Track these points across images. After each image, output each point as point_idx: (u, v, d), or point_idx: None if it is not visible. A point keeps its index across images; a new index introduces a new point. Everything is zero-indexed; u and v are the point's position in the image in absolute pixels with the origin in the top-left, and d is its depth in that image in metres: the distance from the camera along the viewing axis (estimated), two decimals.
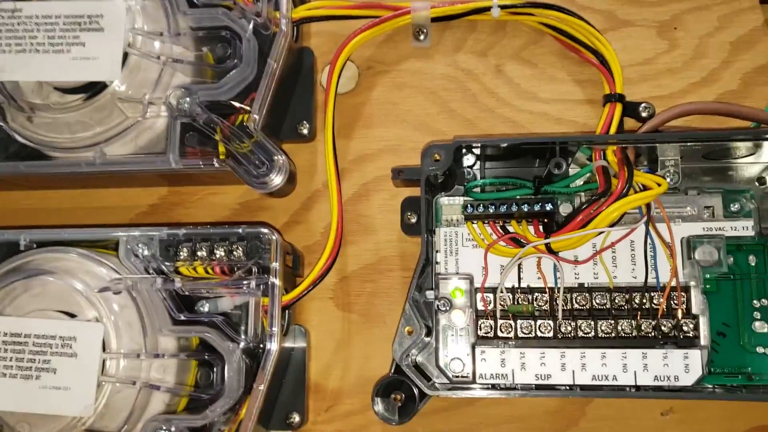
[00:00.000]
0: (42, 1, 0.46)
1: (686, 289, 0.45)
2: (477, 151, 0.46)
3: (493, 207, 0.45)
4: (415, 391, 0.44)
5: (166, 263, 0.45)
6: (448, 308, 0.45)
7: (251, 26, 0.46)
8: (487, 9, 0.50)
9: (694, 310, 0.44)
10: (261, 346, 0.43)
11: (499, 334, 0.45)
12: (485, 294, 0.46)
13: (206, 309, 0.45)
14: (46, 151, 0.47)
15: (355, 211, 0.52)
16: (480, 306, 0.46)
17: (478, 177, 0.48)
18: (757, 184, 0.47)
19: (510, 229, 0.46)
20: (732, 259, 0.45)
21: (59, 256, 0.45)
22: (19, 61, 0.45)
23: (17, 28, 0.46)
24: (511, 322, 0.45)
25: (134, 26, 0.45)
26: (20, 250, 0.46)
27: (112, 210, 0.53)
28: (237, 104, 0.45)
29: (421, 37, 0.52)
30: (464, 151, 0.46)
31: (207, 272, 0.45)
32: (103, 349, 0.42)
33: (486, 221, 0.46)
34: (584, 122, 0.51)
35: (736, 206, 0.46)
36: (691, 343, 0.44)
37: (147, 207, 0.53)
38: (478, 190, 0.47)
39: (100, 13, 0.45)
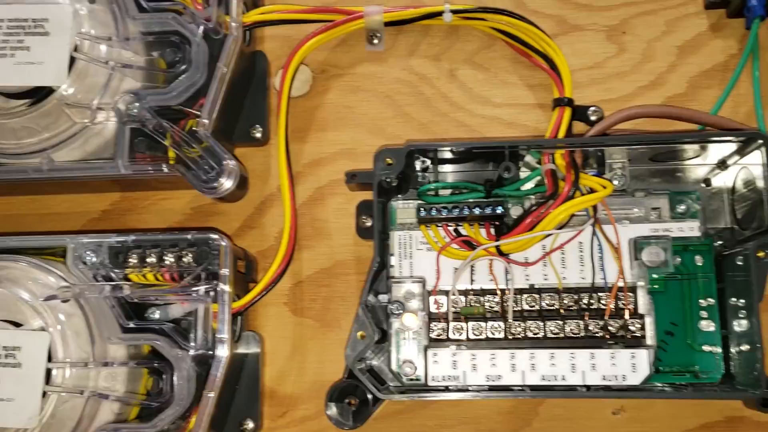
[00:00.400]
0: None
1: (633, 290, 0.46)
2: (429, 155, 0.46)
3: (445, 210, 0.46)
4: (369, 395, 0.44)
5: (116, 270, 0.44)
6: (401, 311, 0.45)
7: (201, 31, 0.46)
8: (440, 14, 0.50)
9: (641, 310, 0.45)
10: (211, 353, 0.43)
11: (451, 336, 0.45)
12: (438, 297, 0.46)
13: (156, 316, 0.44)
14: None
15: (310, 215, 0.51)
16: (433, 308, 0.46)
17: (432, 180, 0.48)
18: (703, 185, 0.48)
19: (463, 231, 0.47)
20: (679, 259, 0.46)
21: (4, 264, 0.44)
22: None
23: None
24: (463, 324, 0.45)
25: (81, 30, 0.45)
26: None
27: (64, 216, 0.52)
28: (186, 109, 0.45)
29: (375, 42, 0.52)
30: (417, 155, 0.46)
31: (157, 279, 0.44)
32: (49, 359, 0.41)
33: (439, 224, 0.47)
34: (535, 126, 0.51)
35: (683, 207, 0.47)
36: (638, 342, 0.45)
37: (99, 213, 0.52)
38: (431, 193, 0.47)
39: (45, 17, 0.45)
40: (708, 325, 0.46)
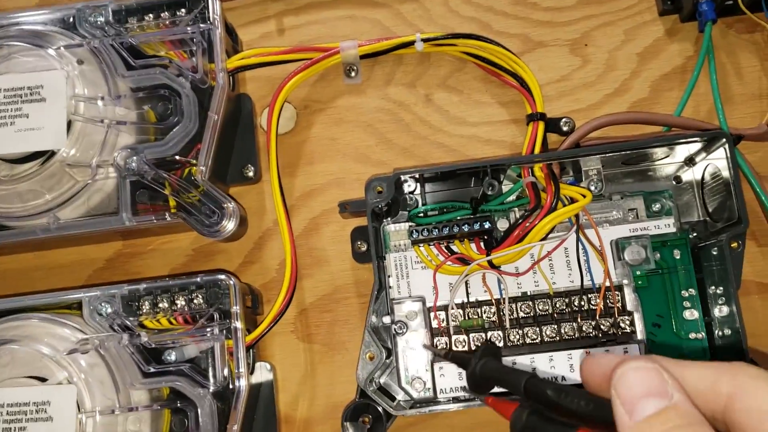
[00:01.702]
0: None
1: (620, 288, 0.49)
2: (416, 179, 0.49)
3: (436, 230, 0.48)
4: (381, 411, 0.46)
5: (130, 318, 0.46)
6: (404, 330, 0.48)
7: (189, 83, 0.48)
8: (412, 43, 0.53)
9: (629, 307, 0.48)
10: (230, 387, 0.45)
11: (454, 348, 0.48)
12: (438, 312, 0.49)
13: (173, 358, 0.46)
14: None
15: (307, 245, 0.54)
16: (434, 324, 0.49)
17: (420, 202, 0.51)
18: (674, 182, 0.51)
19: (454, 248, 0.49)
20: (658, 255, 0.49)
21: (22, 323, 0.46)
22: None
23: None
24: (464, 336, 0.48)
25: (75, 92, 0.47)
26: None
27: (70, 268, 0.54)
28: (182, 159, 0.47)
29: (353, 74, 0.55)
30: (404, 179, 0.49)
31: (170, 323, 0.47)
32: (78, 409, 0.43)
33: (431, 243, 0.49)
34: (511, 141, 0.54)
35: (657, 206, 0.50)
36: (629, 338, 0.48)
37: (104, 262, 0.54)
38: (421, 215, 0.50)
39: (40, 84, 0.47)
40: (691, 314, 0.48)
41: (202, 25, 0.49)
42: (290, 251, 0.50)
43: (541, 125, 0.51)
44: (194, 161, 0.47)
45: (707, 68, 0.53)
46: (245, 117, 0.55)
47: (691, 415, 0.26)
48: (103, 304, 0.46)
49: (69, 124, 0.47)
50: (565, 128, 0.52)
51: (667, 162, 0.50)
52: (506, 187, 0.50)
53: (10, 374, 0.44)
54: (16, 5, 0.59)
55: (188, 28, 0.48)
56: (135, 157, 0.47)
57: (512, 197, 0.50)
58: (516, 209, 0.50)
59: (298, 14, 0.56)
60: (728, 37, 0.54)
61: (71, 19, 0.50)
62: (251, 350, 0.48)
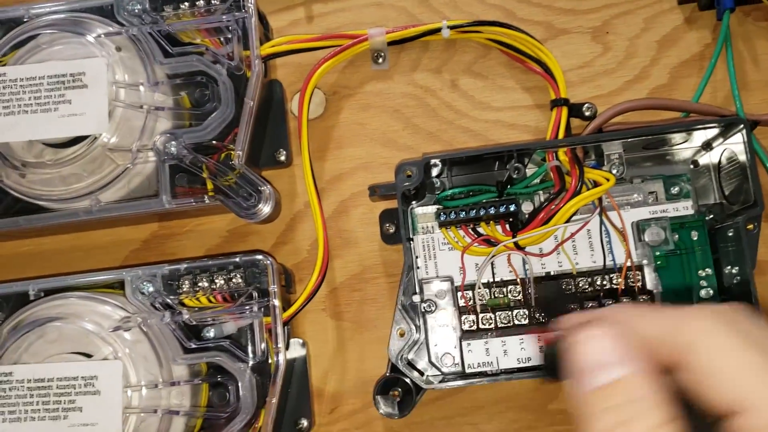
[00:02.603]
0: (25, 65, 0.49)
1: (640, 268, 0.50)
2: (444, 163, 0.50)
3: (463, 213, 0.50)
4: (411, 386, 0.49)
5: (171, 297, 0.48)
6: (433, 309, 0.50)
7: (225, 70, 0.50)
8: (438, 30, 0.54)
9: (649, 286, 0.50)
10: (268, 362, 0.47)
11: (481, 326, 0.50)
12: (465, 292, 0.51)
13: (212, 335, 0.48)
14: (41, 203, 0.50)
15: (337, 227, 0.56)
16: (462, 303, 0.51)
17: (447, 185, 0.53)
18: (691, 166, 0.53)
19: (480, 230, 0.51)
20: (677, 236, 0.51)
21: (68, 302, 0.48)
22: (8, 122, 0.48)
23: (3, 91, 0.48)
24: (491, 314, 0.50)
25: (115, 79, 0.49)
26: (30, 300, 0.49)
27: (107, 249, 0.56)
28: (220, 144, 0.49)
29: (380, 61, 0.56)
30: (433, 163, 0.50)
31: (210, 301, 0.49)
32: (124, 383, 0.45)
33: (458, 226, 0.51)
34: (535, 125, 0.56)
35: (676, 189, 0.52)
36: None
37: (140, 243, 0.56)
38: (448, 198, 0.51)
39: (82, 71, 0.48)
40: (707, 293, 0.50)
41: (236, 14, 0.50)
42: (322, 232, 0.52)
43: (565, 110, 0.53)
44: (231, 146, 0.49)
45: (725, 56, 0.54)
46: (276, 103, 0.56)
47: (644, 390, 0.25)
48: (144, 283, 0.48)
49: (110, 109, 0.48)
50: (587, 113, 0.54)
51: (685, 147, 0.52)
52: (530, 170, 0.52)
53: (58, 350, 0.46)
54: None
55: (223, 17, 0.50)
56: (174, 142, 0.49)
57: (537, 180, 0.51)
58: (540, 192, 0.52)
59: (326, 1, 0.58)
60: (745, 25, 0.56)
61: (109, 7, 0.51)
62: (286, 327, 0.50)
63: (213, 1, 0.51)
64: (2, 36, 0.51)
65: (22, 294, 0.49)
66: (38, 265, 0.56)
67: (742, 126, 0.48)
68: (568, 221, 0.49)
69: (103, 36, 0.50)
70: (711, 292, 0.50)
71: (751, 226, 0.48)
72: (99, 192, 0.50)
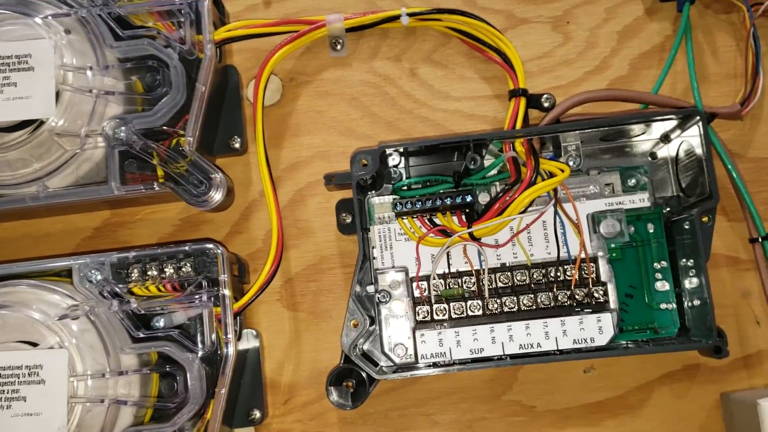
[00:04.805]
0: None
1: (595, 260, 0.50)
2: (401, 153, 0.50)
3: (419, 203, 0.50)
4: (365, 376, 0.48)
5: (119, 285, 0.47)
6: (388, 299, 0.49)
7: (177, 54, 0.48)
8: (397, 17, 0.54)
9: (603, 278, 0.50)
10: (218, 352, 0.47)
11: (435, 317, 0.50)
12: (420, 282, 0.50)
13: (162, 324, 0.47)
14: None
15: (293, 216, 0.55)
16: (416, 294, 0.50)
17: (404, 175, 0.52)
18: (649, 158, 0.53)
19: (437, 221, 0.51)
20: (633, 228, 0.51)
21: (13, 290, 0.47)
22: None
23: None
24: (445, 305, 0.50)
25: (63, 62, 0.47)
26: None
27: (58, 236, 0.55)
28: (170, 129, 0.48)
29: (338, 47, 0.56)
30: (389, 153, 0.50)
31: (159, 290, 0.48)
32: (69, 373, 0.44)
33: (415, 216, 0.51)
34: (494, 116, 0.55)
35: (633, 181, 0.52)
36: (602, 307, 0.50)
37: (91, 231, 0.55)
38: (405, 188, 0.51)
39: (28, 53, 0.47)
40: (663, 286, 0.51)
41: None
42: (276, 222, 0.51)
43: (523, 101, 0.52)
44: (182, 132, 0.48)
45: (684, 47, 0.54)
46: (231, 89, 0.55)
47: None
48: (92, 272, 0.47)
49: (57, 93, 0.47)
50: (546, 104, 0.53)
51: (644, 138, 0.52)
52: (488, 161, 0.51)
53: (2, 339, 0.45)
54: None
55: (176, 0, 0.49)
56: (123, 127, 0.48)
57: (494, 171, 0.51)
58: (497, 183, 0.51)
59: None
60: (706, 17, 0.56)
61: None
62: (238, 317, 0.50)
63: None
64: None
65: None
66: None
67: (698, 118, 0.48)
68: (523, 212, 0.49)
69: (51, 17, 0.48)
70: (666, 284, 0.51)
71: (706, 219, 0.49)
72: (46, 178, 0.48)
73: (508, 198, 0.49)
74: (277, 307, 0.54)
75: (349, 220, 0.53)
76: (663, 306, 0.50)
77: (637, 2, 0.56)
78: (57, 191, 0.48)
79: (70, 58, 0.48)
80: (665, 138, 0.52)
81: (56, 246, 0.55)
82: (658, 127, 0.50)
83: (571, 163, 0.51)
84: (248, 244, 0.55)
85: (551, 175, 0.49)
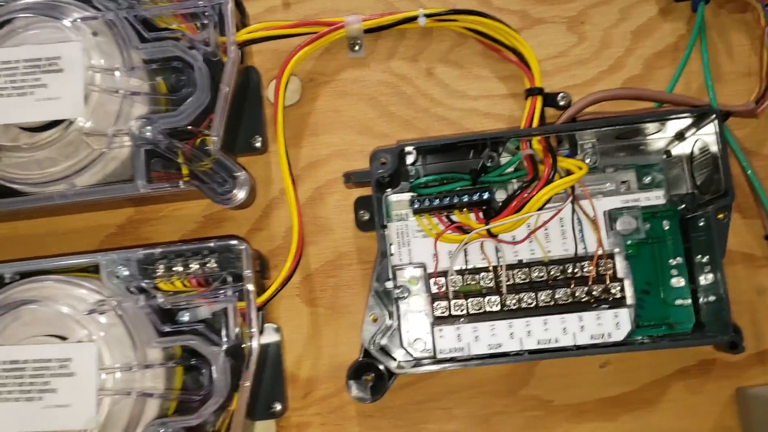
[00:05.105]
0: (1, 48, 0.49)
1: (611, 256, 0.51)
2: (419, 151, 0.51)
3: (437, 200, 0.51)
4: (384, 370, 0.49)
5: (146, 281, 0.49)
6: (406, 295, 0.50)
7: (201, 56, 0.50)
8: (414, 18, 0.54)
9: (620, 275, 0.51)
10: (242, 346, 0.48)
11: (453, 312, 0.51)
12: (438, 278, 0.51)
13: (186, 318, 0.49)
14: (16, 187, 0.50)
15: (312, 213, 0.56)
16: (434, 290, 0.51)
17: (421, 173, 0.53)
18: (664, 156, 0.53)
19: (454, 218, 0.52)
20: (648, 225, 0.52)
21: (43, 285, 0.48)
22: None
23: None
24: (463, 301, 0.51)
25: (91, 64, 0.49)
26: (5, 282, 0.49)
27: (82, 233, 0.56)
28: (195, 129, 0.49)
29: (356, 48, 0.57)
30: (407, 151, 0.51)
31: (184, 285, 0.49)
32: (98, 365, 0.46)
33: (432, 213, 0.51)
34: (510, 114, 0.56)
35: (648, 179, 0.53)
36: (619, 303, 0.50)
37: (115, 228, 0.56)
38: (423, 186, 0.52)
39: (58, 55, 0.48)
40: (678, 282, 0.51)
41: (213, 0, 0.50)
42: (297, 219, 0.52)
43: (539, 100, 0.53)
44: (206, 131, 0.49)
45: (699, 47, 0.55)
46: (253, 89, 0.56)
47: None
48: (119, 267, 0.49)
49: (86, 94, 0.48)
50: (561, 103, 0.54)
51: (659, 137, 0.53)
52: (505, 159, 0.52)
53: (33, 332, 0.47)
54: None
55: (200, 2, 0.50)
56: (150, 127, 0.49)
57: (510, 169, 0.52)
58: (514, 180, 0.52)
59: None
60: (720, 17, 0.56)
61: None
62: (260, 312, 0.51)
63: None
64: None
65: None
66: (12, 249, 0.56)
67: (714, 116, 0.49)
68: (540, 209, 0.50)
69: (79, 20, 0.49)
70: (682, 281, 0.51)
71: (721, 216, 0.49)
72: (74, 176, 0.50)
73: (525, 195, 0.49)
74: (297, 303, 0.55)
75: (366, 217, 0.54)
76: (678, 302, 0.51)
77: (651, 2, 0.57)
78: (84, 189, 0.50)
79: (98, 60, 0.49)
80: (680, 136, 0.52)
81: (81, 243, 0.56)
82: (673, 126, 0.51)
83: (587, 161, 0.52)
84: (269, 240, 0.56)
85: (568, 172, 0.50)
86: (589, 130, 0.50)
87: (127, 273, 0.49)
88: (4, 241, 0.57)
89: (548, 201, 0.50)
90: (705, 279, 0.50)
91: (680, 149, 0.53)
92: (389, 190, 0.53)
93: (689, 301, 0.51)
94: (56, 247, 0.56)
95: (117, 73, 0.49)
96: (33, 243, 0.56)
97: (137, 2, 0.51)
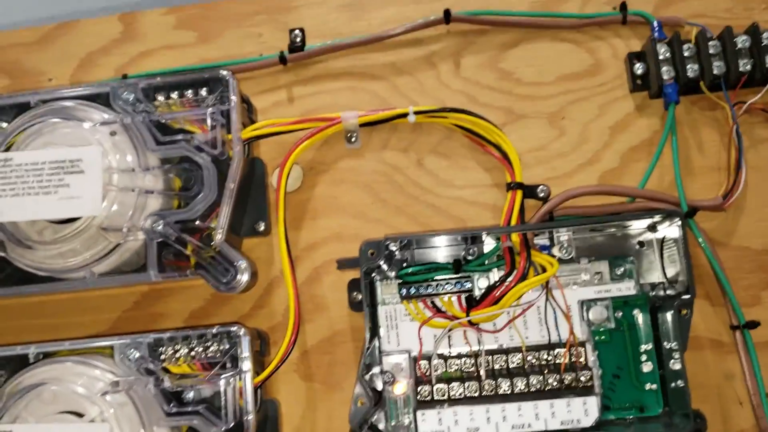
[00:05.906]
0: (29, 151, 0.54)
1: (583, 344, 0.55)
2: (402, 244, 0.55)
3: (422, 288, 0.55)
4: None
5: (155, 362, 0.54)
6: (391, 380, 0.55)
7: (210, 158, 0.55)
8: (406, 115, 0.59)
9: (589, 364, 0.55)
10: (241, 423, 0.52)
11: (435, 397, 0.55)
12: (421, 362, 0.55)
13: (191, 396, 0.54)
14: (42, 273, 0.56)
15: (309, 292, 0.61)
16: (418, 374, 0.55)
17: (409, 258, 0.57)
18: (637, 246, 0.57)
19: (438, 303, 0.56)
20: (620, 313, 0.55)
21: (61, 366, 0.53)
22: (15, 203, 0.53)
23: (10, 175, 0.54)
24: (444, 385, 0.55)
25: (109, 165, 0.54)
26: (30, 362, 0.54)
27: (101, 308, 0.61)
28: (202, 225, 0.54)
29: (353, 140, 0.61)
30: (391, 245, 0.55)
31: (189, 367, 0.54)
32: None
33: (418, 299, 0.56)
34: (494, 203, 0.60)
35: (621, 270, 0.56)
36: (588, 391, 0.54)
37: (131, 304, 0.61)
38: (409, 274, 0.56)
39: (79, 158, 0.54)
40: (648, 367, 0.55)
41: (221, 107, 0.55)
42: (293, 298, 0.56)
43: (519, 194, 0.57)
44: (212, 225, 0.54)
45: (671, 144, 0.59)
46: (258, 177, 0.61)
47: None
48: (131, 350, 0.54)
49: (104, 193, 0.53)
50: (541, 194, 0.58)
51: (632, 229, 0.57)
52: (489, 246, 0.56)
53: (53, 410, 0.52)
54: (54, 83, 0.66)
55: (209, 109, 0.55)
56: (162, 220, 0.54)
57: (493, 258, 0.56)
58: (495, 269, 0.56)
59: (305, 84, 0.63)
60: (692, 113, 0.60)
61: (106, 96, 0.57)
62: (259, 389, 0.55)
63: (200, 93, 0.56)
64: (13, 118, 0.57)
65: (22, 357, 0.54)
66: (41, 324, 0.61)
67: (678, 219, 0.53)
68: (517, 301, 0.54)
69: (98, 125, 0.55)
70: (651, 366, 0.55)
71: (684, 312, 0.53)
72: (93, 264, 0.55)
73: (503, 288, 0.54)
74: (295, 378, 0.59)
75: (359, 299, 0.58)
76: (648, 386, 0.55)
77: (628, 99, 0.61)
78: (102, 278, 0.55)
79: (115, 159, 0.54)
80: (652, 228, 0.56)
81: (101, 315, 0.61)
82: (644, 220, 0.55)
83: (563, 252, 0.56)
84: (269, 317, 0.61)
85: (544, 266, 0.54)
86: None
87: (138, 355, 0.54)
88: (31, 306, 0.62)
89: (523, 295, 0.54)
90: (672, 365, 0.53)
91: (653, 238, 0.57)
92: (377, 276, 0.57)
93: (657, 385, 0.54)
94: (79, 317, 0.61)
95: (133, 173, 0.54)
96: (58, 317, 0.62)
97: (152, 106, 0.56)
